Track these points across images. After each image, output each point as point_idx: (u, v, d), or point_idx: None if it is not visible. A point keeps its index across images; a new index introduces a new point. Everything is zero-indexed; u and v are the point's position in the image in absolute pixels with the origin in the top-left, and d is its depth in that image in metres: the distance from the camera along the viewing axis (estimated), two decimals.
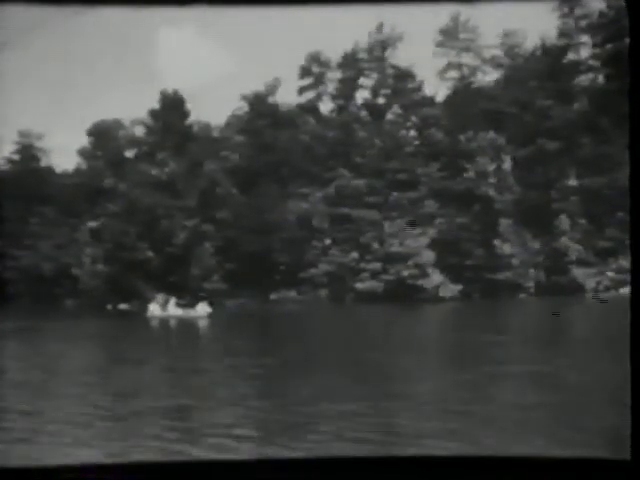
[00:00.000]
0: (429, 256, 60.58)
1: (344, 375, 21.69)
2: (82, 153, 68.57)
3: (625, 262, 58.47)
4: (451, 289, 60.59)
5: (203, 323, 44.76)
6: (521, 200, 63.66)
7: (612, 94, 58.64)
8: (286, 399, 17.85)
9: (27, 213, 62.65)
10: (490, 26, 66.68)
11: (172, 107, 64.73)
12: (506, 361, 23.68)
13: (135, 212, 59.69)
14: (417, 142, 66.79)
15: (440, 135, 65.82)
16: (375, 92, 71.15)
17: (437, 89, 71.16)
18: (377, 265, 60.99)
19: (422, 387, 19.69)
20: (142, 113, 66.40)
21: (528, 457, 2.88)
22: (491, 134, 64.59)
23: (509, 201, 63.90)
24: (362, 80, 71.41)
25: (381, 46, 70.32)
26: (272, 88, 69.12)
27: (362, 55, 70.96)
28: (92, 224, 62.02)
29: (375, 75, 71.11)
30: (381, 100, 70.78)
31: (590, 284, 61.67)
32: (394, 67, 70.02)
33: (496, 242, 62.51)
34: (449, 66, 72.08)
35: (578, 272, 61.96)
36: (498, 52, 71.71)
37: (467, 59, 72.12)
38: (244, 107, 70.09)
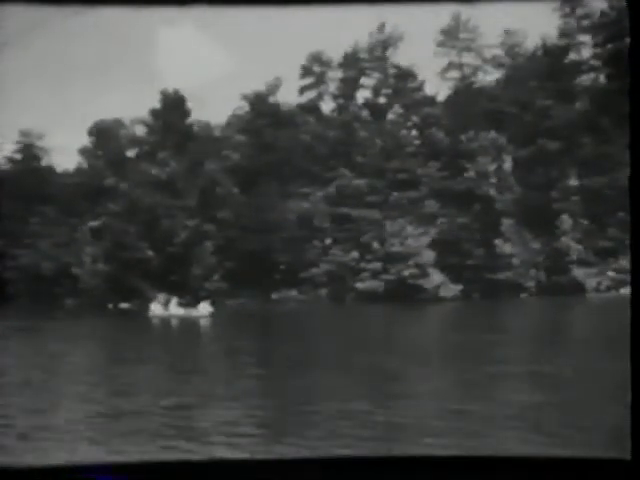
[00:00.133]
0: (430, 256, 60.58)
1: (343, 375, 21.69)
2: (83, 152, 68.55)
3: (625, 262, 58.44)
4: (451, 289, 60.57)
5: (205, 323, 44.75)
6: (522, 200, 63.64)
7: (613, 94, 58.61)
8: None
9: (27, 212, 62.61)
10: (491, 26, 66.70)
11: (173, 106, 64.76)
12: (505, 361, 23.68)
13: (136, 211, 59.72)
14: (418, 142, 66.78)
15: (441, 135, 65.82)
16: (376, 92, 71.15)
17: (438, 89, 71.19)
18: (377, 265, 60.99)
19: (420, 387, 19.69)
20: (142, 113, 66.51)
21: (528, 457, 2.87)
22: (492, 134, 64.59)
23: (510, 201, 63.89)
24: (363, 80, 71.45)
25: (382, 46, 70.32)
26: (273, 88, 69.12)
27: (363, 55, 70.97)
28: (93, 223, 62.04)
29: (376, 75, 71.12)
30: (382, 100, 70.79)
31: (591, 284, 61.67)
32: (395, 67, 70.02)
33: (497, 242, 62.50)
34: (450, 66, 72.07)
35: (579, 272, 61.96)
36: (499, 52, 71.71)
37: (468, 59, 72.16)
38: (245, 107, 70.10)
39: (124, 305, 57.39)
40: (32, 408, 17.32)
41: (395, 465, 2.96)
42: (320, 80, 71.67)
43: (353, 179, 64.65)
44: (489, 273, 61.40)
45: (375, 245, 62.08)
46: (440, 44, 71.21)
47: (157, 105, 65.33)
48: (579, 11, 68.65)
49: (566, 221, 63.13)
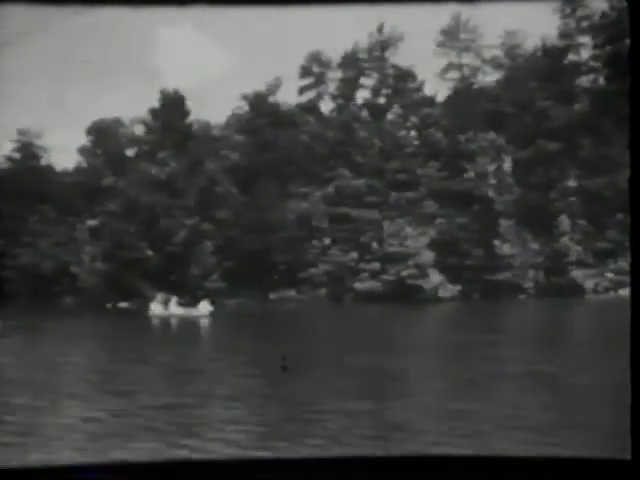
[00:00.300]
0: (429, 256, 60.59)
1: (342, 374, 21.71)
2: (82, 152, 68.52)
3: (624, 263, 58.48)
4: (450, 289, 60.57)
5: (205, 322, 44.77)
6: (521, 201, 63.66)
7: (612, 95, 58.67)
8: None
9: (26, 211, 62.57)
10: (491, 26, 66.69)
11: (172, 106, 64.72)
12: (504, 361, 23.69)
13: (135, 211, 59.70)
14: (417, 142, 66.79)
15: (440, 135, 65.83)
16: (375, 92, 71.15)
17: (437, 89, 71.18)
18: (376, 265, 60.99)
19: (418, 387, 19.70)
20: (142, 112, 66.46)
21: (528, 457, 2.88)
22: (491, 134, 64.61)
23: (509, 202, 63.90)
24: (362, 80, 71.43)
25: (381, 46, 70.32)
26: (272, 87, 69.12)
27: (362, 55, 70.96)
28: (91, 222, 62.02)
29: (376, 75, 71.12)
30: (381, 100, 70.79)
31: (589, 285, 61.69)
32: (395, 67, 70.02)
33: (496, 243, 62.53)
34: (450, 66, 72.07)
35: (577, 273, 61.98)
36: (499, 52, 71.72)
37: (468, 59, 72.18)
38: (244, 106, 70.10)
39: (123, 304, 57.38)
40: (31, 407, 17.32)
41: (395, 465, 2.96)
42: (320, 80, 71.67)
43: (352, 179, 64.65)
44: (488, 274, 61.41)
45: (374, 245, 62.09)
46: (440, 44, 71.24)
47: (156, 104, 65.30)
48: (579, 12, 68.67)
49: (565, 222, 63.15)
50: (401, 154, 65.22)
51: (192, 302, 50.86)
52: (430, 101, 69.13)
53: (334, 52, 70.09)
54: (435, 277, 60.37)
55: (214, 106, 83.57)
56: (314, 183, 65.58)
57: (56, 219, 63.60)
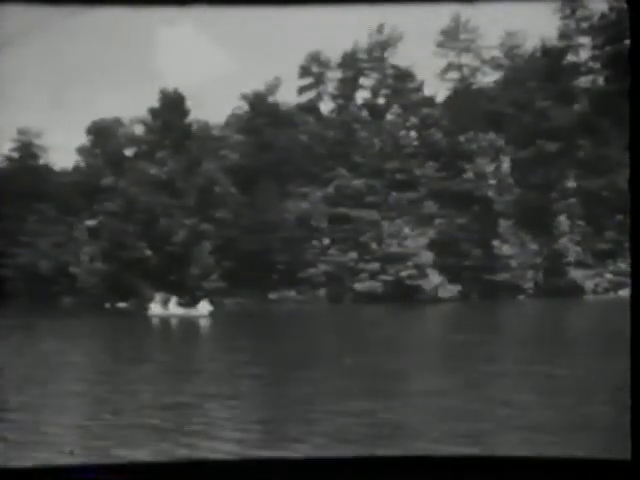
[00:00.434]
0: (428, 257, 60.59)
1: (341, 374, 21.73)
2: (81, 151, 68.53)
3: (623, 264, 58.53)
4: (450, 290, 60.59)
5: (205, 322, 44.78)
6: (520, 201, 63.68)
7: (612, 96, 58.69)
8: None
9: (25, 211, 62.56)
10: (490, 27, 66.79)
11: (172, 106, 64.70)
12: (503, 361, 23.71)
13: (134, 211, 59.69)
14: (417, 142, 66.80)
15: (440, 136, 65.85)
16: (375, 92, 71.19)
17: (437, 89, 71.28)
18: (376, 265, 61.00)
19: (417, 386, 19.72)
20: (141, 112, 66.45)
21: (528, 457, 2.88)
22: (491, 135, 64.63)
23: (508, 202, 63.92)
24: (362, 80, 71.50)
25: (381, 46, 70.34)
26: (272, 87, 69.15)
27: (362, 55, 71.01)
28: (90, 222, 62.01)
29: (375, 75, 71.17)
30: (381, 100, 70.83)
31: (588, 286, 61.72)
32: (394, 67, 70.05)
33: (495, 243, 62.54)
34: (449, 67, 72.14)
35: (576, 274, 62.00)
36: (498, 53, 71.77)
37: (467, 60, 72.23)
38: (244, 106, 70.15)
39: (122, 304, 57.36)
40: (30, 405, 17.33)
41: (395, 465, 2.96)
42: (319, 80, 71.71)
43: (352, 179, 64.65)
44: (487, 274, 61.44)
45: (373, 246, 62.09)
46: (440, 45, 71.32)
47: (156, 104, 65.28)
48: (579, 13, 68.73)
49: (564, 223, 63.19)
50: (400, 154, 65.23)
51: (191, 302, 50.87)
52: (430, 101, 69.16)
53: (334, 52, 70.25)
54: (434, 277, 60.38)
55: (214, 106, 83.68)
56: (313, 183, 65.59)
57: (55, 219, 63.60)
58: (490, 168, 64.54)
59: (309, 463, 3.14)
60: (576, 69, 68.72)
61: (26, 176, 64.63)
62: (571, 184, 64.29)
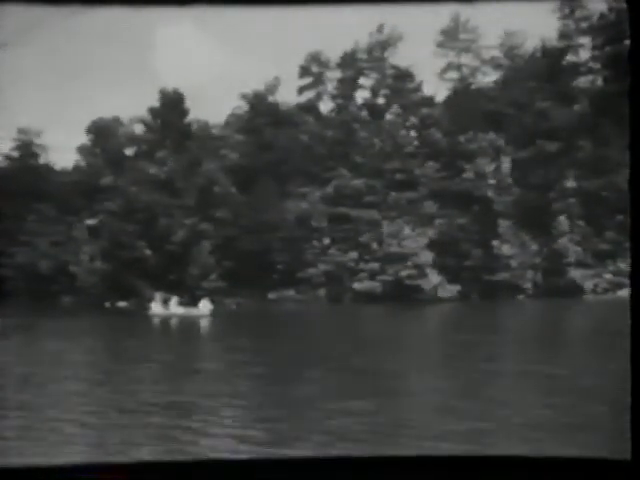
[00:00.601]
0: (428, 257, 60.58)
1: (340, 374, 21.74)
2: (81, 151, 68.50)
3: (623, 264, 58.54)
4: (449, 290, 60.58)
5: (205, 321, 44.79)
6: (520, 201, 63.66)
7: (611, 96, 58.67)
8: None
9: (25, 210, 62.54)
10: (490, 27, 66.74)
11: (171, 105, 64.69)
12: (502, 361, 23.70)
13: (133, 210, 59.67)
14: (416, 142, 66.77)
15: (439, 135, 65.82)
16: (375, 92, 71.16)
17: (437, 89, 71.22)
18: (375, 265, 60.98)
19: (416, 386, 19.72)
20: (141, 111, 66.44)
21: (528, 457, 2.88)
22: (490, 135, 64.60)
23: (508, 202, 63.91)
24: (362, 80, 71.45)
25: (381, 46, 70.32)
26: (272, 87, 69.14)
27: (362, 55, 70.96)
28: (90, 222, 62.00)
29: (375, 75, 71.13)
30: (381, 100, 70.79)
31: (588, 286, 61.70)
32: (394, 67, 70.02)
33: (495, 243, 62.52)
34: (449, 66, 72.11)
35: (576, 274, 61.99)
36: (498, 53, 71.74)
37: (467, 60, 72.20)
38: (243, 106, 70.13)
39: (121, 304, 57.35)
40: (30, 405, 17.32)
41: (395, 465, 2.96)
42: (319, 80, 71.67)
43: (351, 179, 64.64)
44: (487, 274, 61.42)
45: (373, 245, 62.08)
46: (439, 45, 71.28)
47: (156, 104, 65.27)
48: (578, 13, 68.71)
49: (564, 223, 63.17)
50: (400, 154, 65.21)
51: (191, 302, 50.88)
52: (429, 101, 69.15)
53: (334, 52, 70.22)
54: (434, 277, 60.37)
55: (213, 105, 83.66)
56: (313, 183, 65.57)
57: (55, 218, 63.57)
58: (490, 168, 64.51)
59: (309, 463, 3.14)
60: (576, 69, 68.69)
61: (26, 175, 64.60)
62: (571, 184, 64.26)
